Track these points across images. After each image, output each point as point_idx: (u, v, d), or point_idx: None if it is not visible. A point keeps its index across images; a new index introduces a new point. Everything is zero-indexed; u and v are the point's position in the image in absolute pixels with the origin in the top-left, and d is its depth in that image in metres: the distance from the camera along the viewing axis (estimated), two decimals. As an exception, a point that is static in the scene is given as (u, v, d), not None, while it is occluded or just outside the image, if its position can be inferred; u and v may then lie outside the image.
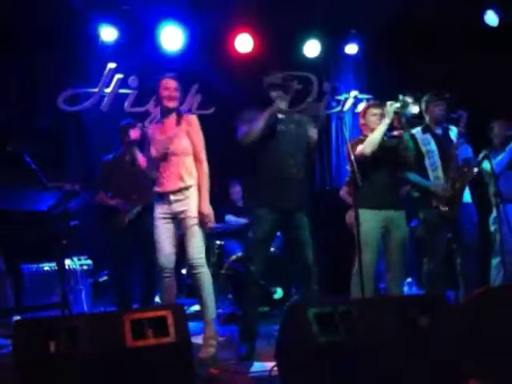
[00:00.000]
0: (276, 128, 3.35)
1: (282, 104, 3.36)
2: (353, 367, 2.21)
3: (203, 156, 3.36)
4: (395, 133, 3.71)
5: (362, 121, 3.82)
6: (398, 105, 3.55)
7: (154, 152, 3.34)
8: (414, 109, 3.67)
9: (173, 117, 3.37)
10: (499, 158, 4.18)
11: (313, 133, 3.49)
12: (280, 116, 3.40)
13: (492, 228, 4.19)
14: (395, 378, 2.27)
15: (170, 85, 3.33)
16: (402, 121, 3.61)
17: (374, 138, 3.54)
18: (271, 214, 3.31)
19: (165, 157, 3.29)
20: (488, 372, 2.39)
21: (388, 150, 3.62)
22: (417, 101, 3.66)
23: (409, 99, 3.57)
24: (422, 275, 3.90)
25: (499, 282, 4.00)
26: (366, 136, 3.71)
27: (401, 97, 3.58)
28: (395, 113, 3.55)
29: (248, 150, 3.39)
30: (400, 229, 3.64)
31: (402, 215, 3.70)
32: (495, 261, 4.13)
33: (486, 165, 4.06)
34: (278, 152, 3.33)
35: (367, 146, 3.54)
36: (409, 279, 5.14)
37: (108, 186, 4.17)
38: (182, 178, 3.30)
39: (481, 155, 4.00)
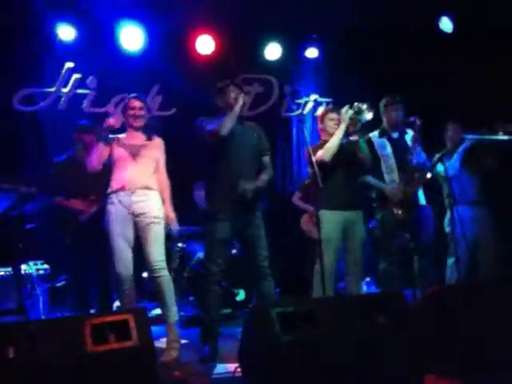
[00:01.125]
0: (235, 131, 3.39)
1: (245, 100, 3.45)
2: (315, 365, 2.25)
3: (165, 173, 3.54)
4: (351, 138, 3.82)
5: (320, 125, 3.93)
6: (352, 111, 3.68)
7: (120, 152, 3.35)
8: (369, 115, 3.76)
9: (140, 135, 3.48)
10: (453, 160, 4.33)
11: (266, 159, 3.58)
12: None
13: (447, 229, 4.32)
14: (355, 375, 2.32)
15: (135, 104, 3.47)
16: (357, 126, 3.74)
17: (332, 145, 3.67)
18: (231, 216, 3.35)
19: (134, 157, 3.33)
20: (443, 368, 2.48)
21: (345, 153, 3.73)
22: (371, 107, 3.76)
23: (363, 106, 3.71)
24: (378, 273, 4.00)
25: (454, 281, 4.14)
26: (324, 140, 3.81)
27: (355, 104, 3.73)
28: (350, 119, 3.68)
29: (210, 150, 3.44)
30: (358, 229, 3.76)
31: (361, 216, 3.81)
32: (450, 261, 4.27)
33: (440, 168, 4.20)
34: (237, 156, 3.40)
35: (326, 152, 3.66)
36: (367, 278, 5.25)
37: (61, 188, 4.03)
38: (147, 179, 3.36)
39: (435, 158, 4.13)
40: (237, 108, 3.35)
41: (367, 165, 3.82)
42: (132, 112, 3.44)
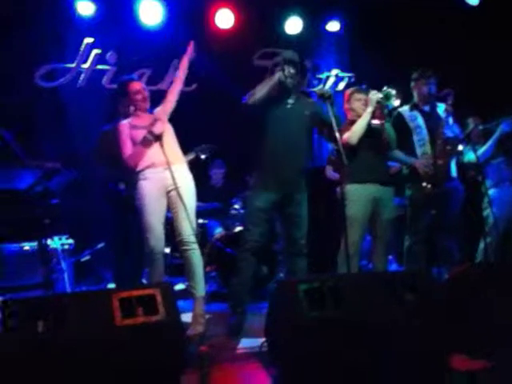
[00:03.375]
0: (282, 102, 3.36)
1: (287, 77, 3.31)
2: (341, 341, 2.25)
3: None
4: (377, 121, 3.74)
5: (346, 105, 3.85)
6: (381, 95, 3.61)
7: (141, 135, 3.30)
8: (396, 102, 3.67)
9: (146, 114, 3.42)
10: (483, 148, 4.24)
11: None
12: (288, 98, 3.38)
13: (485, 212, 4.27)
14: (381, 353, 2.31)
15: (138, 87, 3.41)
16: (384, 111, 3.67)
17: (358, 128, 3.60)
18: (275, 188, 3.33)
19: (158, 137, 3.26)
20: (473, 347, 2.46)
21: (371, 134, 3.66)
22: (399, 94, 3.68)
23: (392, 91, 3.63)
24: (404, 252, 3.95)
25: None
26: (350, 120, 3.75)
27: (385, 88, 3.64)
28: (377, 102, 3.61)
29: (250, 115, 3.39)
30: (388, 208, 3.69)
31: (391, 192, 3.75)
32: (482, 244, 4.20)
33: (471, 155, 4.13)
34: (284, 130, 3.34)
35: (353, 136, 3.59)
36: (389, 256, 5.21)
37: (105, 157, 3.99)
38: (175, 154, 3.34)
39: (464, 146, 4.08)
40: (269, 81, 3.29)
41: (392, 148, 3.77)
42: (140, 96, 3.38)
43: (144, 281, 4.13)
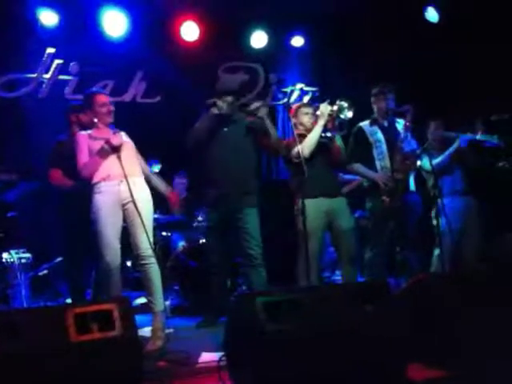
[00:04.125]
0: (218, 129, 3.62)
1: (220, 107, 3.60)
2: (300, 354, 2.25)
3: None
4: (327, 134, 3.82)
5: (293, 120, 3.91)
6: (334, 108, 3.71)
7: (98, 145, 3.27)
8: (349, 113, 3.77)
9: (108, 129, 3.38)
10: (438, 159, 4.30)
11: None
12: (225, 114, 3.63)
13: (434, 221, 4.33)
14: (341, 365, 2.33)
15: (105, 100, 3.40)
16: (335, 123, 3.76)
17: (311, 141, 3.68)
18: (219, 206, 3.62)
19: (116, 148, 3.25)
20: (429, 356, 2.50)
21: (321, 147, 3.75)
22: (352, 105, 3.77)
23: (345, 104, 3.73)
24: (364, 263, 4.01)
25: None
26: (298, 134, 3.79)
27: (338, 101, 3.74)
28: (329, 115, 3.69)
29: (193, 151, 3.71)
30: (343, 216, 3.77)
31: (344, 202, 3.84)
32: (436, 252, 4.28)
33: (426, 162, 4.22)
34: (222, 151, 3.61)
35: (306, 148, 3.66)
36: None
37: (59, 167, 3.97)
38: (133, 167, 3.33)
39: (419, 150, 4.15)
40: (205, 119, 3.63)
41: (342, 159, 3.86)
42: (105, 109, 3.35)
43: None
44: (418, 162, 4.19)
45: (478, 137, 4.21)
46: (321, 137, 3.75)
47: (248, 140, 3.70)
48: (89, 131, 3.41)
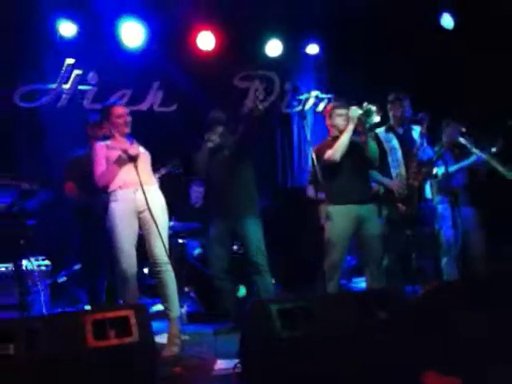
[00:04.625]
0: (214, 159, 3.92)
1: (214, 140, 3.91)
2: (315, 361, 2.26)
3: None
4: (358, 138, 3.76)
5: (328, 121, 3.85)
6: (361, 111, 3.63)
7: (116, 154, 3.33)
8: (377, 118, 3.71)
9: (125, 140, 3.45)
10: (453, 168, 4.22)
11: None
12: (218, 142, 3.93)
13: (436, 227, 4.27)
14: (355, 372, 2.32)
15: (122, 112, 3.47)
16: (366, 127, 3.68)
17: (341, 145, 3.62)
18: (221, 219, 3.90)
19: (133, 158, 3.30)
20: (443, 365, 2.48)
21: (353, 150, 3.68)
22: (380, 110, 3.73)
23: (373, 108, 3.65)
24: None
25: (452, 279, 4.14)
26: (332, 137, 3.77)
27: (365, 104, 3.67)
28: (358, 119, 3.63)
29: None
30: (373, 225, 3.72)
31: (374, 211, 3.79)
32: (444, 259, 4.23)
33: (440, 170, 4.17)
34: (218, 177, 3.93)
35: (336, 153, 3.62)
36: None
37: (73, 180, 4.07)
38: (148, 176, 3.39)
39: (435, 156, 4.11)
40: (202, 153, 3.96)
41: (374, 164, 3.81)
42: (122, 120, 3.42)
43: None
44: (434, 170, 4.15)
45: (493, 150, 4.12)
46: (353, 139, 3.70)
47: (242, 160, 3.90)
48: (106, 141, 3.47)
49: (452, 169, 4.21)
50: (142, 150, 3.46)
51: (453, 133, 4.35)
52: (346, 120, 3.71)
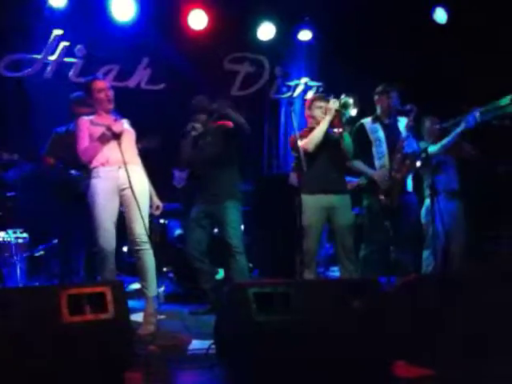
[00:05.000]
0: (198, 147, 4.03)
1: (197, 128, 3.98)
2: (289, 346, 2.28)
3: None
4: (335, 130, 3.79)
5: (307, 112, 3.90)
6: (338, 103, 3.67)
7: (99, 131, 3.28)
8: (353, 111, 3.75)
9: (109, 116, 3.40)
10: (446, 140, 4.21)
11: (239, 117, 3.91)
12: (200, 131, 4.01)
13: (424, 220, 4.33)
14: (328, 359, 2.36)
15: (102, 85, 3.40)
16: (343, 120, 3.73)
17: (316, 136, 3.68)
18: (202, 203, 4.01)
19: (116, 135, 3.27)
20: (416, 354, 2.53)
21: (328, 142, 3.74)
22: (357, 103, 3.75)
23: (350, 100, 3.70)
24: (359, 260, 4.03)
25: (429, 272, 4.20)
26: (310, 128, 3.81)
27: (342, 96, 3.71)
28: (336, 111, 3.66)
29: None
30: (344, 214, 3.76)
31: (347, 200, 3.82)
32: (426, 252, 4.31)
33: (433, 147, 4.18)
34: (202, 164, 4.03)
35: (310, 143, 3.67)
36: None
37: (56, 157, 4.04)
38: (132, 155, 3.36)
39: (420, 149, 4.13)
40: (186, 142, 4.05)
41: (347, 156, 3.85)
42: (103, 94, 3.35)
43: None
44: (418, 163, 4.18)
45: (482, 109, 4.07)
46: (328, 132, 3.73)
47: (225, 145, 3.98)
48: (90, 117, 3.42)
49: (444, 141, 4.20)
50: (127, 126, 3.42)
51: (432, 125, 4.40)
52: (324, 112, 3.75)
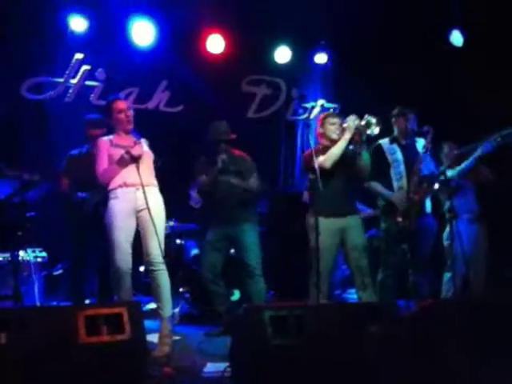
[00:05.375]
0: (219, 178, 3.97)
1: (225, 160, 3.94)
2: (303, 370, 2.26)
3: None
4: (351, 147, 3.73)
5: (319, 130, 3.83)
6: (362, 122, 3.62)
7: (119, 153, 3.32)
8: (376, 129, 3.69)
9: (130, 137, 3.43)
10: (463, 164, 4.23)
11: (252, 183, 4.03)
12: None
13: (445, 243, 4.29)
14: (340, 382, 2.33)
15: (122, 106, 3.42)
16: (363, 138, 3.66)
17: (334, 153, 3.60)
18: (219, 225, 4.02)
19: (135, 159, 3.30)
20: (434, 379, 2.48)
21: (344, 160, 3.67)
22: (380, 122, 3.71)
23: (373, 119, 3.64)
24: (376, 284, 3.98)
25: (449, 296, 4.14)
26: (323, 145, 3.77)
27: (366, 115, 3.65)
28: (356, 128, 3.61)
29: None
30: (356, 235, 3.70)
31: (358, 221, 3.77)
32: (447, 276, 4.25)
33: (452, 172, 4.19)
34: (220, 194, 4.01)
35: (328, 160, 3.60)
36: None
37: (70, 179, 4.14)
38: (149, 176, 3.39)
39: (438, 171, 4.13)
40: (212, 173, 4.02)
41: (365, 175, 3.78)
42: (123, 115, 3.39)
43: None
44: (437, 185, 4.15)
45: (504, 132, 4.04)
46: (346, 151, 3.67)
47: (245, 177, 4.02)
48: (110, 137, 3.47)
49: (462, 166, 4.20)
50: (145, 147, 3.44)
51: (451, 150, 4.41)
52: (338, 129, 3.71)
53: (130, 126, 3.43)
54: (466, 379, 2.43)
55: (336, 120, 3.75)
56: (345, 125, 3.67)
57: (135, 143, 3.36)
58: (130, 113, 3.44)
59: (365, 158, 3.70)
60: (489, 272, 4.36)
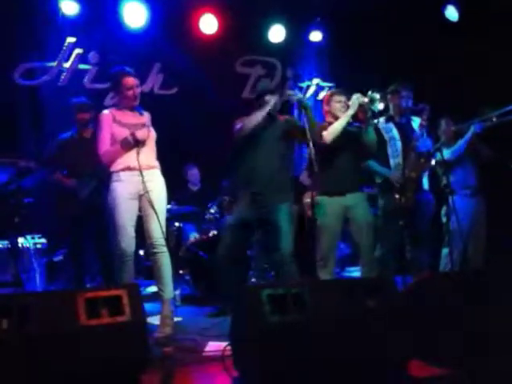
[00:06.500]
0: (264, 129, 3.52)
1: (274, 105, 3.53)
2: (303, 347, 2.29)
3: None
4: (357, 124, 3.76)
5: (325, 107, 3.84)
6: (365, 99, 3.60)
7: (123, 133, 3.28)
8: (380, 105, 3.69)
9: (134, 112, 3.37)
10: (455, 147, 4.30)
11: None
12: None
13: (444, 219, 4.31)
14: (342, 358, 2.36)
15: (132, 83, 3.33)
16: (368, 115, 3.65)
17: (335, 128, 3.59)
18: (253, 206, 3.48)
19: (138, 142, 3.25)
20: (430, 353, 2.52)
21: (349, 138, 3.66)
22: (383, 98, 3.70)
23: (377, 95, 3.62)
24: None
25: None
26: (328, 122, 3.76)
27: (370, 92, 3.63)
28: (360, 105, 3.60)
29: (237, 145, 3.60)
30: (361, 212, 3.69)
31: (363, 198, 3.76)
32: (445, 251, 4.29)
33: (439, 156, 4.21)
34: (258, 152, 3.51)
35: (329, 135, 3.58)
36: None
37: (62, 164, 4.11)
38: (152, 159, 3.37)
39: (433, 148, 4.14)
40: (259, 113, 3.49)
41: (371, 151, 3.77)
42: (131, 92, 3.31)
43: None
44: (433, 162, 4.17)
45: (495, 116, 4.10)
46: (350, 127, 3.67)
47: (282, 141, 3.60)
48: (112, 110, 3.39)
49: (454, 148, 4.23)
50: (148, 122, 3.36)
51: (447, 127, 4.41)
52: (344, 107, 3.70)
53: (136, 103, 3.36)
54: (463, 349, 2.47)
55: (342, 98, 3.75)
56: (349, 102, 3.66)
57: (142, 125, 3.29)
58: (138, 89, 3.36)
59: (371, 134, 3.69)
60: (488, 246, 4.39)
